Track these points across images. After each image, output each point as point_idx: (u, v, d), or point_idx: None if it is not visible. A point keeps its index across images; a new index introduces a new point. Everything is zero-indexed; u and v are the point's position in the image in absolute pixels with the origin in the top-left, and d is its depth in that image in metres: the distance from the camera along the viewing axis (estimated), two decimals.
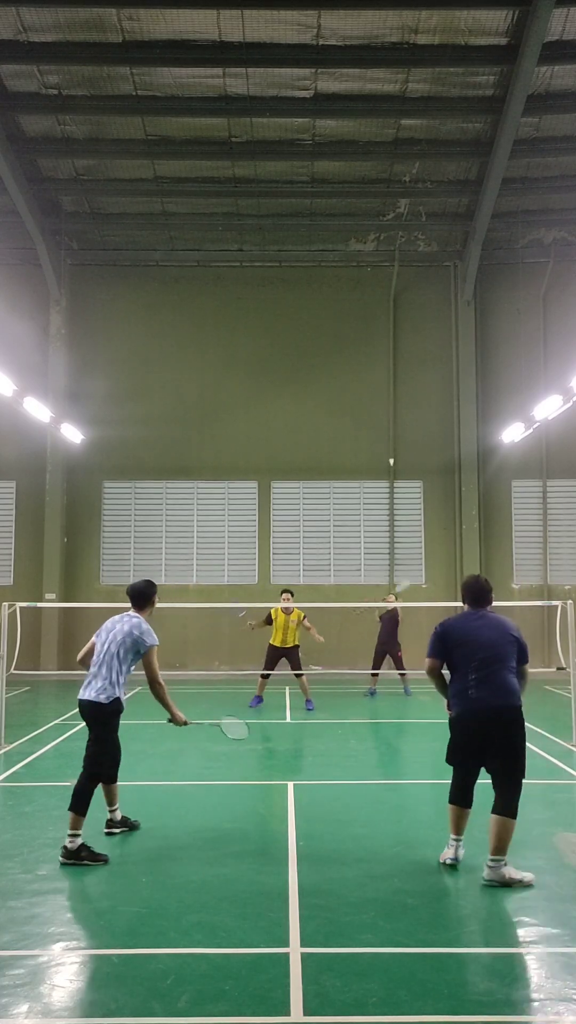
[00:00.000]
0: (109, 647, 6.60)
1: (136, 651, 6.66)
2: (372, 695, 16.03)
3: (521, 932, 4.90)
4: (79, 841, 6.13)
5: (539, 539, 21.34)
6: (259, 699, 14.51)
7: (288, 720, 13.22)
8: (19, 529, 21.26)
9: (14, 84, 16.58)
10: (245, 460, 21.38)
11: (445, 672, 6.10)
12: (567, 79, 16.35)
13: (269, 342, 21.60)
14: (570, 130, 17.83)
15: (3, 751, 10.31)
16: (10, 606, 10.94)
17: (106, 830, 6.81)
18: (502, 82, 16.31)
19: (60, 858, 6.08)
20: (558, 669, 12.40)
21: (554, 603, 12.04)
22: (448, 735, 6.03)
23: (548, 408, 15.87)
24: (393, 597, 16.68)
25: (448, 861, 5.98)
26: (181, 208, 20.66)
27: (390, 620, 16.25)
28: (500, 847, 5.60)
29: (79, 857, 6.07)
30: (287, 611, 14.31)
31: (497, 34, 15.24)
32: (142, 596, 6.96)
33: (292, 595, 14.51)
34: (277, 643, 14.36)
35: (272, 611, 14.44)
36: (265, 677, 14.58)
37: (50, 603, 19.78)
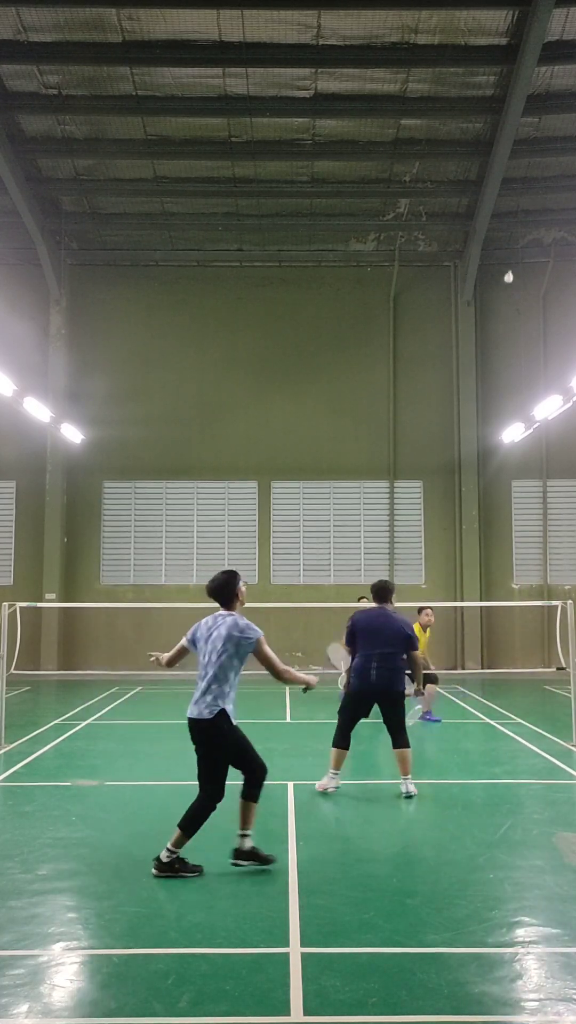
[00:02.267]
0: (211, 657, 5.96)
1: (241, 652, 5.96)
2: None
3: (521, 932, 4.89)
4: (176, 855, 5.79)
5: (539, 539, 21.34)
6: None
7: (288, 720, 13.22)
8: (19, 529, 21.26)
9: (14, 84, 16.59)
10: (245, 460, 21.39)
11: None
12: (567, 79, 16.35)
13: (269, 342, 21.61)
14: (570, 130, 17.83)
15: (3, 751, 10.31)
16: (10, 606, 10.93)
17: (232, 861, 5.93)
18: (502, 82, 16.31)
19: (153, 871, 5.73)
20: (558, 669, 12.40)
21: (554, 603, 12.03)
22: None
23: (548, 408, 15.87)
24: (366, 600, 16.21)
25: (330, 790, 7.94)
26: (181, 208, 20.66)
27: None
28: (406, 770, 7.90)
29: (173, 869, 5.74)
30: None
31: (497, 34, 15.24)
32: (226, 589, 6.16)
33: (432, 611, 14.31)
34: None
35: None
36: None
37: (50, 603, 19.77)
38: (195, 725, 5.98)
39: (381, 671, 7.77)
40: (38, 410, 16.27)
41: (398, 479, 21.43)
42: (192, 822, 5.85)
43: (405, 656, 7.95)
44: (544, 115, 17.24)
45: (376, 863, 6.10)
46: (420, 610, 13.56)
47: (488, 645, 20.69)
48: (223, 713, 5.89)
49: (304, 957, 4.49)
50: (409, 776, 7.92)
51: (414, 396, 21.54)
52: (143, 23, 15.03)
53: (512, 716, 13.16)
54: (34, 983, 4.27)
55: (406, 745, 7.90)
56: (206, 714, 5.92)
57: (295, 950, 4.59)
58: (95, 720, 12.94)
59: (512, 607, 20.58)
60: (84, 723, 12.57)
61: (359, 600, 14.48)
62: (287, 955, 4.53)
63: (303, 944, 4.66)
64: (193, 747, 6.01)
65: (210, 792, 5.94)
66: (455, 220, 20.91)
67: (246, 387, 21.52)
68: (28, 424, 18.78)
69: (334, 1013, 3.92)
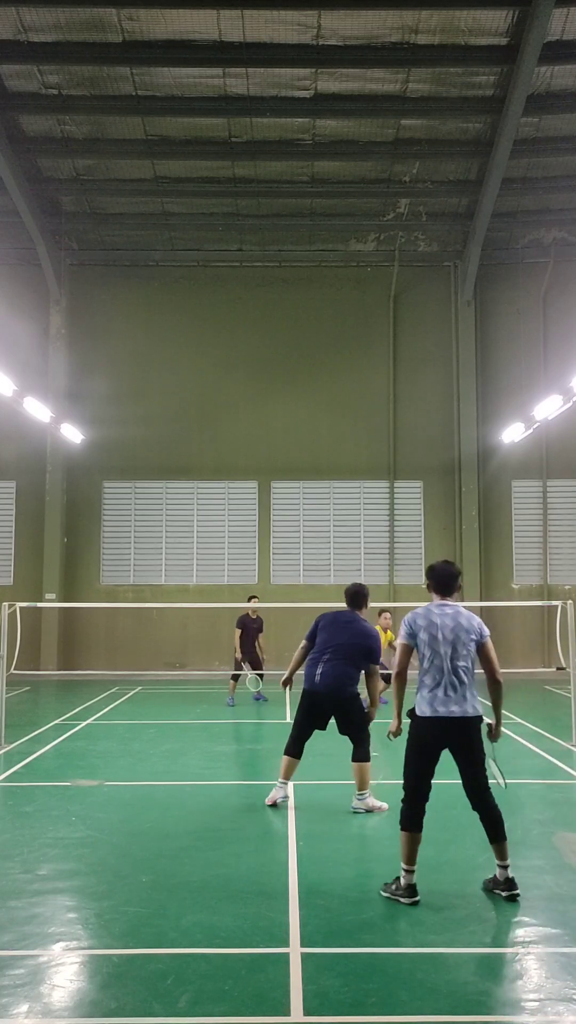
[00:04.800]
0: (463, 649, 5.67)
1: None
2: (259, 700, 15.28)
3: (521, 932, 4.89)
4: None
5: (539, 539, 21.34)
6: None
7: (288, 720, 13.21)
8: (19, 529, 21.27)
9: (14, 84, 16.59)
10: (245, 460, 21.39)
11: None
12: (567, 79, 16.35)
13: (269, 342, 21.61)
14: (570, 130, 17.83)
15: (3, 751, 10.31)
16: (10, 606, 10.93)
17: (505, 893, 5.35)
18: (502, 82, 16.31)
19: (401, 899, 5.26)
20: (558, 669, 12.39)
21: (554, 603, 12.03)
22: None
23: (548, 408, 15.86)
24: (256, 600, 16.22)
25: (278, 801, 7.54)
26: (181, 208, 20.66)
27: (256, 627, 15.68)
28: (363, 784, 7.44)
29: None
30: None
31: (497, 34, 15.24)
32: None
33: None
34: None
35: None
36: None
37: (50, 603, 19.78)
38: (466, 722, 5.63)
39: (326, 675, 7.28)
40: (38, 410, 16.26)
41: (398, 479, 21.43)
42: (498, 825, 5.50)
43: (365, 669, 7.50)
44: (544, 115, 17.24)
45: (376, 863, 6.10)
46: (380, 613, 13.94)
47: None
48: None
49: (304, 957, 4.49)
50: (366, 792, 7.46)
51: (414, 396, 21.55)
52: (143, 23, 15.03)
53: (512, 716, 13.16)
54: (34, 983, 4.27)
55: (364, 759, 7.44)
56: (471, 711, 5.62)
57: (295, 950, 4.59)
58: (95, 720, 12.95)
59: (512, 607, 20.58)
60: (84, 723, 12.57)
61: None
62: (287, 955, 4.53)
63: (303, 944, 4.66)
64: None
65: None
66: (455, 220, 20.91)
67: (246, 387, 21.52)
68: (28, 424, 18.78)
69: (334, 1013, 3.92)
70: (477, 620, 5.67)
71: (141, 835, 6.81)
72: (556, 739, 10.99)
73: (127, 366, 21.53)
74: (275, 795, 7.59)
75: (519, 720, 12.73)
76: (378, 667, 7.55)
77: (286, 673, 7.84)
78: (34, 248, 20.33)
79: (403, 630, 5.65)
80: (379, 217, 20.87)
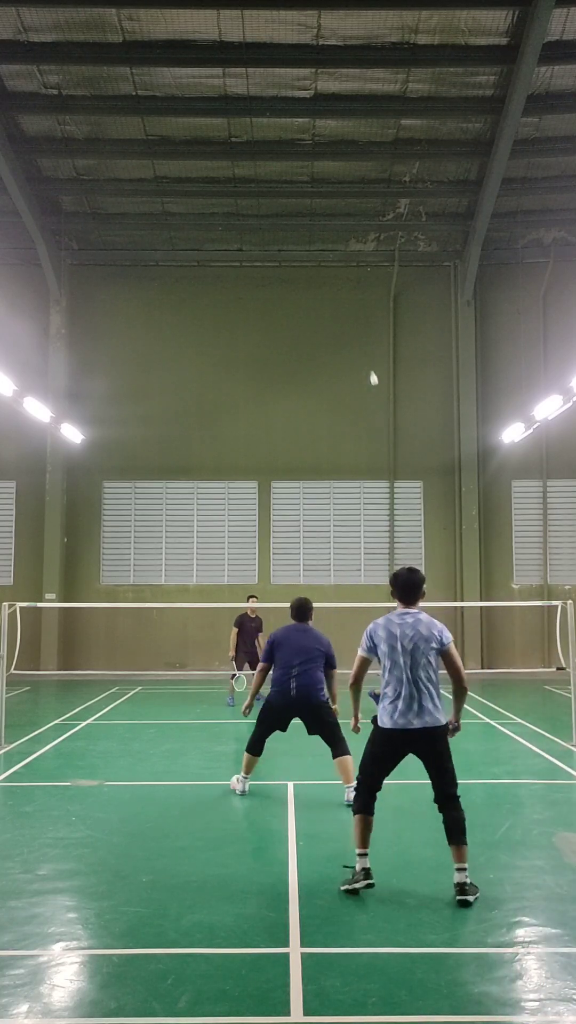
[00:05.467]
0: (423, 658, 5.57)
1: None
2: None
3: (521, 932, 4.89)
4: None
5: (539, 539, 21.34)
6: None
7: None
8: (19, 529, 21.27)
9: (14, 84, 16.59)
10: (245, 460, 21.39)
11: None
12: (567, 79, 16.35)
13: (269, 342, 21.61)
14: (570, 130, 17.83)
15: (3, 751, 10.31)
16: (10, 606, 10.93)
17: (458, 896, 5.30)
18: (502, 82, 16.31)
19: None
20: (558, 669, 12.39)
21: (554, 603, 12.03)
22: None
23: (548, 408, 15.87)
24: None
25: (239, 792, 8.00)
26: (181, 208, 20.67)
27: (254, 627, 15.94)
28: (349, 777, 7.53)
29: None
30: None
31: (497, 34, 15.24)
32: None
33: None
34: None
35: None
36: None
37: (50, 603, 19.78)
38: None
39: (300, 685, 7.61)
40: (38, 410, 16.26)
41: (398, 479, 21.43)
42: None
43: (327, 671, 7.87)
44: (544, 115, 17.24)
45: (376, 863, 6.10)
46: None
47: (488, 645, 20.69)
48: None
49: (304, 957, 4.49)
50: (352, 784, 7.39)
51: (414, 396, 21.55)
52: (143, 23, 15.03)
53: (512, 716, 13.16)
54: (34, 983, 4.27)
55: (345, 753, 7.68)
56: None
57: (295, 950, 4.59)
58: (95, 720, 12.95)
59: (512, 607, 20.58)
60: (84, 723, 12.57)
61: (248, 598, 15.00)
62: (287, 955, 4.53)
63: (303, 944, 4.66)
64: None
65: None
66: (455, 220, 20.91)
67: (246, 387, 21.52)
68: (28, 424, 18.78)
69: (334, 1013, 3.92)
70: (439, 627, 5.58)
71: (141, 835, 6.81)
72: (556, 739, 10.99)
73: (127, 366, 21.53)
74: (236, 784, 8.13)
75: (519, 720, 12.73)
76: (337, 670, 7.93)
77: (248, 699, 8.31)
78: (34, 248, 20.33)
79: (363, 641, 5.65)
80: (379, 217, 20.87)
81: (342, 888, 5.46)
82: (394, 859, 6.23)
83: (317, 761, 9.44)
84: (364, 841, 5.54)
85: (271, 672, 7.84)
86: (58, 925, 5.01)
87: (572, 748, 10.42)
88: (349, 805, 7.25)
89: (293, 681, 7.62)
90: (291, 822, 7.15)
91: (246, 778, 8.09)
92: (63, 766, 9.63)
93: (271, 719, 7.83)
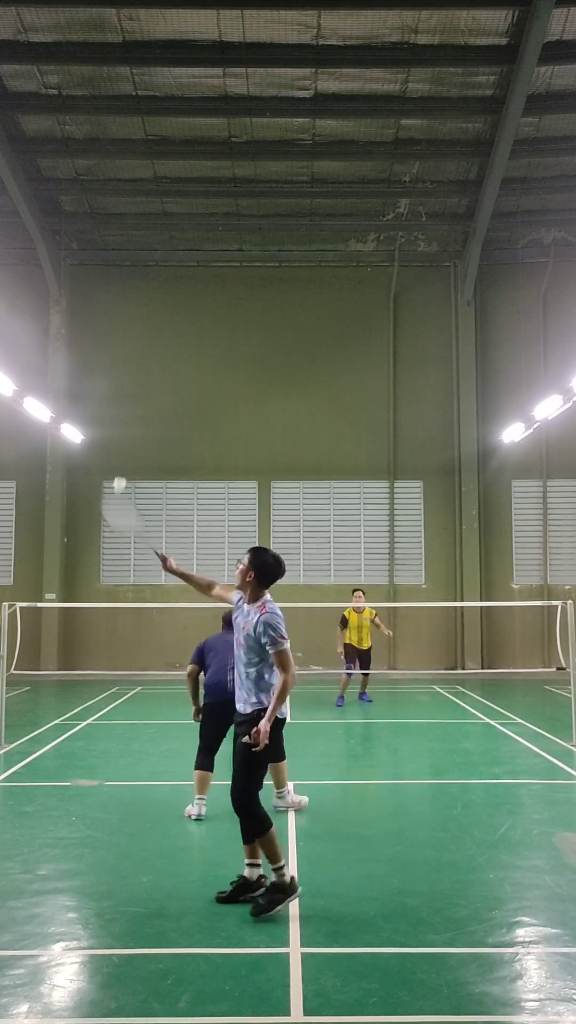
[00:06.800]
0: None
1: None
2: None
3: (521, 932, 4.90)
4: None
5: (539, 539, 21.34)
6: (342, 699, 14.61)
7: (287, 720, 13.21)
8: (19, 529, 21.26)
9: (14, 84, 16.58)
10: (245, 460, 21.39)
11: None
12: (567, 79, 16.34)
13: (269, 342, 21.60)
14: (570, 130, 17.83)
15: (3, 751, 10.31)
16: (10, 606, 10.93)
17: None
18: (502, 82, 16.31)
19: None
20: (558, 669, 12.40)
21: (554, 603, 12.03)
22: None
23: (548, 408, 15.87)
24: (360, 593, 16.36)
25: (194, 817, 7.27)
26: (181, 208, 20.66)
27: None
28: (280, 782, 7.48)
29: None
30: (359, 610, 14.56)
31: (497, 34, 15.23)
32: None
33: (364, 594, 14.67)
34: (354, 642, 14.63)
35: (345, 612, 14.75)
36: (349, 675, 14.78)
37: (50, 603, 19.77)
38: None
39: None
40: (38, 410, 16.27)
41: (398, 479, 21.43)
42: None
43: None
44: (544, 115, 17.23)
45: (376, 863, 6.11)
46: (353, 591, 14.72)
47: (488, 645, 20.69)
48: None
49: (304, 957, 4.50)
50: (285, 789, 7.52)
51: (414, 396, 21.54)
52: (143, 23, 15.03)
53: (512, 716, 13.16)
54: (34, 983, 4.27)
55: (280, 759, 7.49)
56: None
57: (295, 950, 4.59)
58: (95, 720, 12.95)
59: (512, 607, 20.58)
60: (84, 723, 12.57)
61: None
62: (287, 955, 4.53)
63: (303, 944, 4.67)
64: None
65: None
66: (455, 220, 20.91)
67: (246, 387, 21.52)
68: (28, 424, 18.78)
69: (334, 1013, 3.92)
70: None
71: (141, 835, 6.81)
72: (556, 739, 10.99)
73: (127, 366, 21.52)
74: (192, 810, 7.35)
75: (519, 720, 12.73)
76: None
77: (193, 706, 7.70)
78: (34, 248, 20.32)
79: (283, 630, 5.42)
80: (379, 217, 20.87)
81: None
82: (394, 859, 6.23)
83: (317, 761, 9.46)
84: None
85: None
86: (58, 925, 5.01)
87: (572, 748, 10.42)
88: (279, 810, 7.40)
89: (230, 680, 7.15)
90: (291, 822, 7.16)
91: (203, 800, 7.42)
92: (63, 766, 9.63)
93: (212, 725, 7.48)
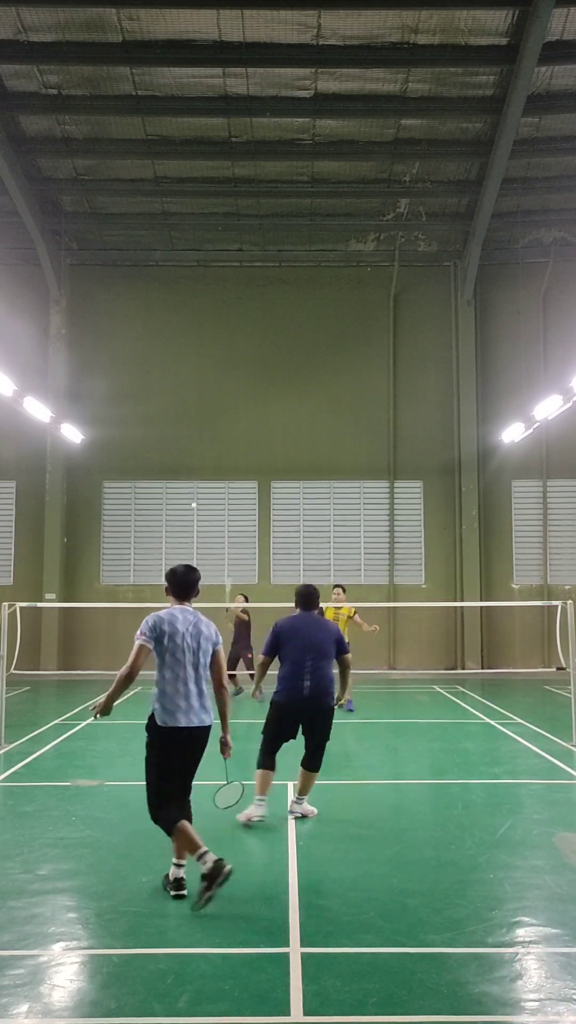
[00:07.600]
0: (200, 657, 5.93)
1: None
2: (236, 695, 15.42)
3: (521, 932, 4.89)
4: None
5: (539, 539, 21.34)
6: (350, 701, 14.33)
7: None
8: (19, 529, 21.26)
9: (14, 84, 16.58)
10: (245, 460, 21.39)
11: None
12: (567, 79, 16.34)
13: (269, 342, 21.60)
14: (570, 130, 17.83)
15: (3, 751, 10.31)
16: (10, 606, 10.93)
17: (173, 892, 5.48)
18: (502, 82, 16.31)
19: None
20: (558, 669, 12.40)
21: (554, 603, 12.03)
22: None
23: (548, 408, 15.87)
24: (243, 598, 16.18)
25: (254, 819, 6.97)
26: (181, 208, 20.66)
27: (241, 623, 16.11)
28: (305, 790, 7.27)
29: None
30: (337, 607, 14.34)
31: (497, 34, 15.24)
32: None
33: (344, 590, 14.36)
34: None
35: (323, 608, 14.42)
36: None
37: (50, 603, 19.78)
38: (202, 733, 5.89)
39: (315, 684, 6.96)
40: (38, 410, 16.27)
41: (398, 479, 21.43)
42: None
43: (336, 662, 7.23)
44: (544, 115, 17.23)
45: (376, 863, 6.10)
46: (333, 588, 14.36)
47: (488, 645, 20.69)
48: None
49: (304, 957, 4.50)
50: (306, 797, 7.31)
51: (414, 396, 21.55)
52: (143, 23, 15.03)
53: (512, 716, 13.16)
54: (34, 983, 4.27)
55: (318, 769, 7.24)
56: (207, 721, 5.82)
57: (295, 950, 4.59)
58: (95, 720, 12.92)
59: (512, 607, 20.58)
60: (84, 723, 12.57)
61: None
62: (287, 955, 4.53)
63: (303, 944, 4.67)
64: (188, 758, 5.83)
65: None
66: (455, 220, 20.91)
67: (246, 387, 21.52)
68: (28, 424, 18.78)
69: (334, 1013, 3.92)
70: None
71: (141, 835, 6.80)
72: (556, 739, 10.99)
73: (127, 366, 21.53)
74: (252, 812, 7.01)
75: (519, 720, 12.73)
76: (349, 655, 7.38)
77: (254, 685, 7.91)
78: (34, 248, 20.32)
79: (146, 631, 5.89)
80: (379, 217, 20.87)
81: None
82: (394, 859, 6.23)
83: None
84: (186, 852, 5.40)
85: (275, 669, 7.21)
86: (58, 925, 5.01)
87: (572, 748, 10.42)
88: (300, 816, 7.25)
89: (307, 680, 6.95)
90: (291, 822, 7.15)
91: (263, 801, 7.07)
92: (63, 766, 9.63)
93: (280, 726, 7.14)
